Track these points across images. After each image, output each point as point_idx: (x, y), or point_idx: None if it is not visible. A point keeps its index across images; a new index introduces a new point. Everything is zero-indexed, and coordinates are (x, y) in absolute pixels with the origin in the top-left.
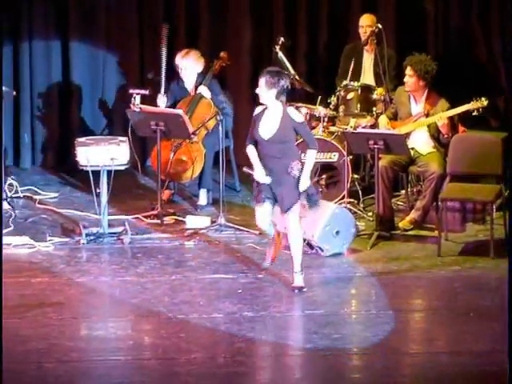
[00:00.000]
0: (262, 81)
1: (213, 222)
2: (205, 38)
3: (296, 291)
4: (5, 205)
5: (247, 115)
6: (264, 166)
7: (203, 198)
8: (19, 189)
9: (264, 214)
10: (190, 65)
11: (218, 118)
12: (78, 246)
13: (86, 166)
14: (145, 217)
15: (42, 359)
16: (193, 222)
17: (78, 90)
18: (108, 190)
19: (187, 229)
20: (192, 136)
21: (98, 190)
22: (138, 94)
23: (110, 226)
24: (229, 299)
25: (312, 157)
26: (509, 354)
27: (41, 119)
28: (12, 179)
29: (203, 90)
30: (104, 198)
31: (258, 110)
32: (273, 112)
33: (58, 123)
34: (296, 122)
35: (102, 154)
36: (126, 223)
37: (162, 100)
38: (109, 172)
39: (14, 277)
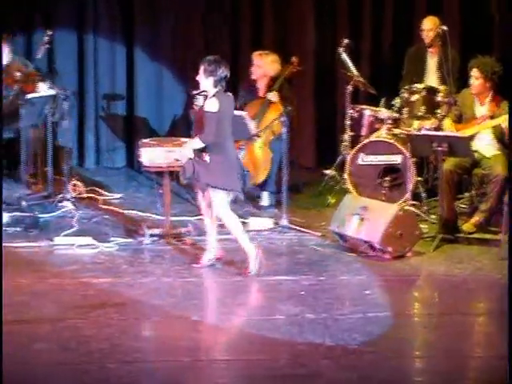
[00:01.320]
0: (201, 69)
1: (275, 223)
2: (269, 42)
3: None
4: (69, 205)
5: (310, 117)
6: None
7: (266, 199)
8: (83, 189)
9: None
10: (264, 64)
11: (282, 118)
12: (141, 246)
13: (149, 166)
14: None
15: (104, 360)
16: (256, 223)
17: (142, 91)
18: (171, 190)
19: (250, 230)
20: (255, 138)
21: (160, 191)
22: (201, 95)
23: (173, 226)
24: (291, 301)
25: (195, 142)
26: (509, 353)
27: (105, 120)
28: (76, 180)
29: (272, 95)
30: (167, 198)
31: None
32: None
33: (122, 124)
34: (204, 110)
35: (166, 155)
36: (189, 224)
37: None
38: (172, 173)
39: (77, 277)
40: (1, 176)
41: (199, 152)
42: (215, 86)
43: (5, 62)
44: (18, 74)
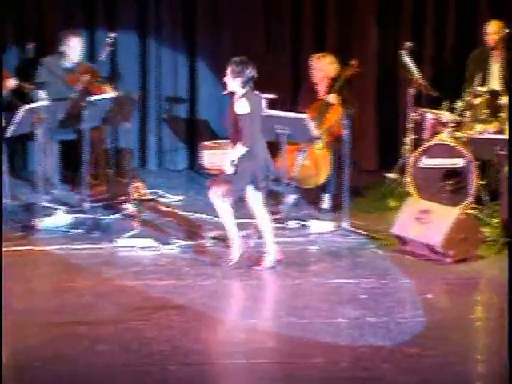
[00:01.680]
0: (228, 70)
1: (336, 226)
2: (331, 44)
3: None
4: (130, 207)
5: (372, 120)
6: None
7: (327, 202)
8: (145, 191)
9: None
10: (322, 67)
11: (343, 120)
12: (203, 249)
13: (210, 169)
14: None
15: (165, 361)
16: (317, 226)
17: (203, 94)
18: None
19: (311, 233)
20: (316, 140)
21: None
22: (264, 98)
23: None
24: (351, 304)
25: (238, 150)
26: (509, 354)
27: (167, 122)
28: (138, 181)
29: (332, 97)
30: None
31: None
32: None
33: (183, 126)
34: (236, 114)
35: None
36: (251, 227)
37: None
38: None
39: (139, 279)
40: (0, 177)
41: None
42: (243, 87)
43: (75, 60)
44: (86, 76)
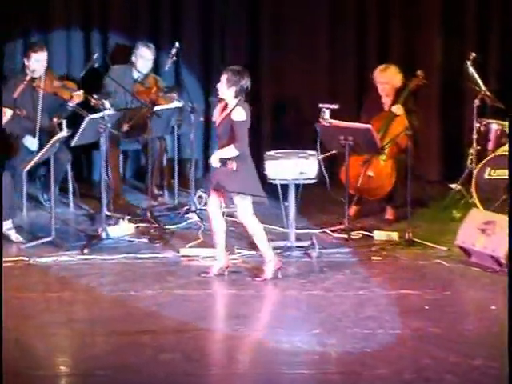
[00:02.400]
0: (224, 78)
1: (400, 237)
2: (396, 55)
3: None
4: (194, 217)
5: (436, 131)
6: None
7: (390, 212)
8: (208, 201)
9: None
10: (388, 79)
11: (407, 132)
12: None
13: (274, 179)
14: (332, 231)
15: (227, 371)
16: (380, 236)
17: (267, 103)
18: (296, 203)
19: (374, 244)
20: (381, 152)
21: (285, 204)
22: (327, 108)
23: (297, 239)
24: (415, 315)
25: (230, 150)
26: (509, 353)
27: None
28: (201, 191)
29: (397, 108)
30: (292, 211)
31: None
32: (228, 108)
33: (248, 135)
34: (233, 121)
35: (291, 167)
36: (314, 237)
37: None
38: (297, 186)
39: (202, 288)
40: (0, 186)
41: (223, 160)
42: (236, 97)
43: (144, 71)
44: (154, 89)
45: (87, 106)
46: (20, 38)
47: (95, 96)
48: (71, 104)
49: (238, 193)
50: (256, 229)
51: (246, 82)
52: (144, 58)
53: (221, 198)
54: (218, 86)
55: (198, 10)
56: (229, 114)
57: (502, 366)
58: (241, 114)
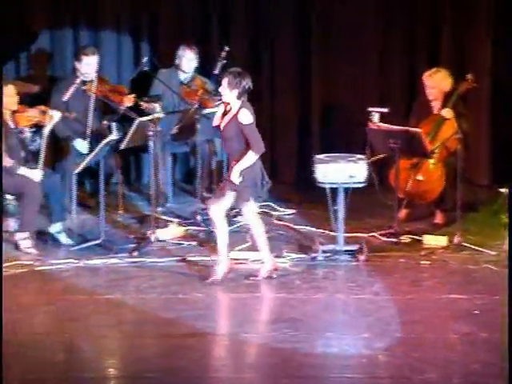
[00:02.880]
0: (225, 81)
1: (449, 241)
2: (446, 58)
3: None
4: (243, 220)
5: (486, 134)
6: None
7: (440, 217)
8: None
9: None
10: (435, 84)
11: (457, 135)
12: (315, 262)
13: (323, 182)
14: (381, 235)
15: (276, 374)
16: (429, 240)
17: (317, 106)
18: (345, 207)
19: (424, 248)
20: (430, 155)
21: (334, 207)
22: (376, 111)
23: (346, 243)
24: (464, 319)
25: (250, 157)
26: (509, 353)
27: (280, 134)
28: None
29: (446, 112)
30: (341, 215)
31: (219, 102)
32: (232, 110)
33: (296, 139)
34: (241, 124)
35: (341, 171)
36: (363, 241)
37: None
38: (346, 189)
39: (251, 292)
40: (0, 182)
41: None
42: (239, 98)
43: (189, 73)
44: (201, 89)
45: (137, 109)
46: (70, 40)
47: (145, 99)
48: (122, 107)
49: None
50: (261, 230)
51: (247, 83)
52: (187, 58)
53: (225, 202)
54: (220, 89)
55: (246, 13)
56: (234, 116)
57: None
58: (248, 116)
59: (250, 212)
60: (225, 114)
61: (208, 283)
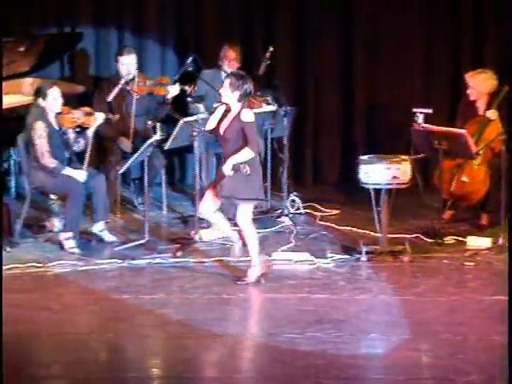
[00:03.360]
0: (227, 82)
1: (493, 242)
2: (491, 59)
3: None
4: (286, 220)
5: None
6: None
7: (484, 218)
8: (301, 205)
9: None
10: (475, 85)
11: (502, 137)
12: (358, 263)
13: (367, 183)
14: (425, 236)
15: (320, 375)
16: (473, 242)
17: (360, 107)
18: (389, 208)
19: (468, 249)
20: (475, 156)
21: (378, 208)
22: (421, 112)
23: (390, 244)
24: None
25: (246, 153)
26: (509, 352)
27: (324, 135)
28: (294, 195)
29: (491, 113)
30: (384, 216)
31: (217, 105)
32: (232, 112)
33: (341, 140)
34: (243, 122)
35: (384, 172)
36: (406, 242)
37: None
38: (390, 190)
39: (294, 292)
40: (1, 187)
41: (236, 167)
42: (239, 101)
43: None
44: None
45: (181, 110)
46: (115, 41)
47: (189, 99)
48: (169, 97)
49: (247, 200)
50: (252, 234)
51: (249, 87)
52: (229, 59)
53: (217, 200)
54: (221, 90)
55: (291, 13)
56: (236, 117)
57: None
58: (250, 115)
59: (244, 214)
60: (222, 117)
61: (237, 284)
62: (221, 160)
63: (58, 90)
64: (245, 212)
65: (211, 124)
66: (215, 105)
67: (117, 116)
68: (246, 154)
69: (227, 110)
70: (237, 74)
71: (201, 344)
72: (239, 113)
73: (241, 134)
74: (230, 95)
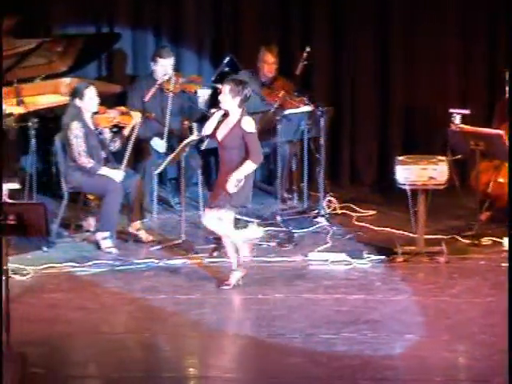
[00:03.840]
0: (227, 88)
1: None
2: None
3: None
4: (323, 221)
5: None
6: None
7: None
8: (337, 205)
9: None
10: None
11: None
12: (394, 264)
13: (404, 184)
14: (462, 237)
15: (356, 376)
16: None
17: (398, 107)
18: (425, 208)
19: (504, 250)
20: None
21: (415, 209)
22: (458, 113)
23: (426, 244)
24: None
25: (248, 167)
26: (509, 353)
27: (360, 135)
28: (331, 196)
29: None
30: (421, 216)
31: (215, 110)
32: (231, 118)
33: (377, 140)
34: (245, 131)
35: (421, 172)
36: (443, 243)
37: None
38: (427, 191)
39: (330, 293)
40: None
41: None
42: (240, 107)
43: (270, 75)
44: (282, 91)
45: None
46: (152, 40)
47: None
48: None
49: (236, 206)
50: (236, 239)
51: (248, 92)
52: (267, 61)
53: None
54: (221, 97)
55: (328, 13)
56: (236, 124)
57: None
58: (251, 124)
59: (230, 223)
60: (219, 123)
61: (220, 288)
62: (218, 165)
63: (95, 90)
64: (229, 219)
65: (208, 129)
66: (212, 110)
67: (153, 115)
68: (249, 167)
69: (225, 115)
70: (235, 80)
71: (236, 344)
72: (240, 120)
73: (241, 142)
74: (230, 101)
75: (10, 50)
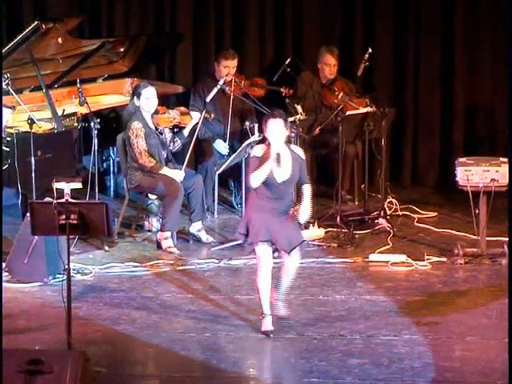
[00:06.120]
0: (281, 123)
1: None
2: None
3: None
4: (384, 222)
5: None
6: (265, 206)
7: None
8: (398, 207)
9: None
10: None
11: None
12: (456, 266)
13: (465, 185)
14: None
15: (415, 378)
16: None
17: (461, 108)
18: (487, 210)
19: None
20: None
21: (477, 211)
22: None
23: (488, 246)
24: None
25: (310, 192)
26: (509, 353)
27: (423, 136)
28: (392, 197)
29: None
30: (483, 218)
31: (258, 150)
32: (285, 154)
33: (440, 141)
34: (303, 160)
35: (483, 174)
36: (505, 245)
37: None
38: (489, 193)
39: (391, 295)
40: (1, 179)
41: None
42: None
43: (330, 76)
44: (342, 93)
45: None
46: (214, 41)
47: (288, 100)
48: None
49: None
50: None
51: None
52: (327, 64)
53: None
54: (278, 130)
55: (391, 13)
56: (294, 157)
57: None
58: (302, 151)
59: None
60: (263, 159)
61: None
62: (270, 214)
63: (153, 90)
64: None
65: (259, 180)
66: (253, 159)
67: (212, 115)
68: (310, 191)
69: (265, 158)
70: (282, 114)
71: (295, 345)
72: (293, 152)
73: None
74: (285, 134)
75: (73, 50)
